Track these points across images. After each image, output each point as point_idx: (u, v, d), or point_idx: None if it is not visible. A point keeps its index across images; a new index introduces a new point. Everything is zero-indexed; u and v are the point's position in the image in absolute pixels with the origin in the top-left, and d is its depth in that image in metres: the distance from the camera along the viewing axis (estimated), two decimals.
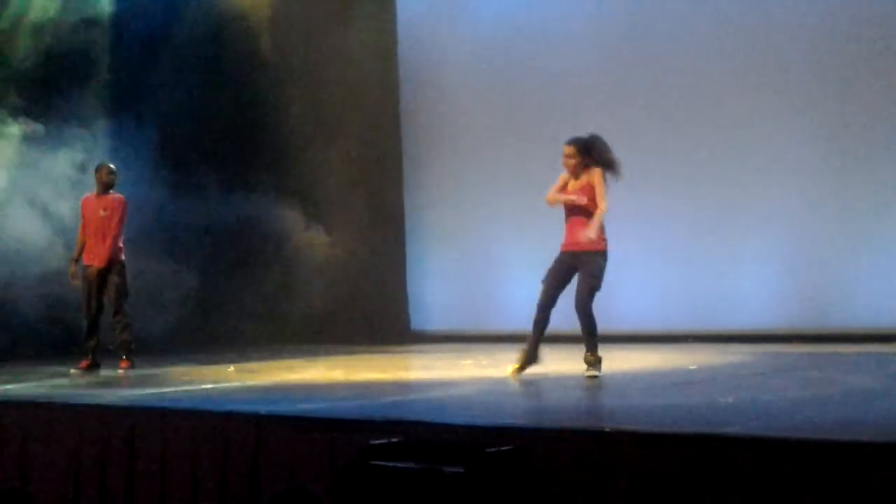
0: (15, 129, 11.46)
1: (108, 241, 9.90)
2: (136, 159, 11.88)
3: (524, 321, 12.51)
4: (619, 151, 11.96)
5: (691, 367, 8.89)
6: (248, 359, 10.61)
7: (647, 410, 6.40)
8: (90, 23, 12.06)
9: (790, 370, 8.76)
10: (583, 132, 8.36)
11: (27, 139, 11.50)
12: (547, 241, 12.50)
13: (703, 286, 11.63)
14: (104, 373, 9.79)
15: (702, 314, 11.56)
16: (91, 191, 10.22)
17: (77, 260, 10.05)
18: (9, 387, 8.74)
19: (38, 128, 11.45)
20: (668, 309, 11.78)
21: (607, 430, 5.40)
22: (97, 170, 10.21)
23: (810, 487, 4.59)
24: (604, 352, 9.94)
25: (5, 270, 11.36)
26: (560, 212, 7.85)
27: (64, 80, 11.98)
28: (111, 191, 10.08)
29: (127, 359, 9.96)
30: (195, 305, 12.63)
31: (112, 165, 10.24)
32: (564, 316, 12.20)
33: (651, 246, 11.88)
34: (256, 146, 13.24)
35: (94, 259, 9.93)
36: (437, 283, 13.60)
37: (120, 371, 9.82)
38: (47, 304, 11.61)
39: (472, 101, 13.15)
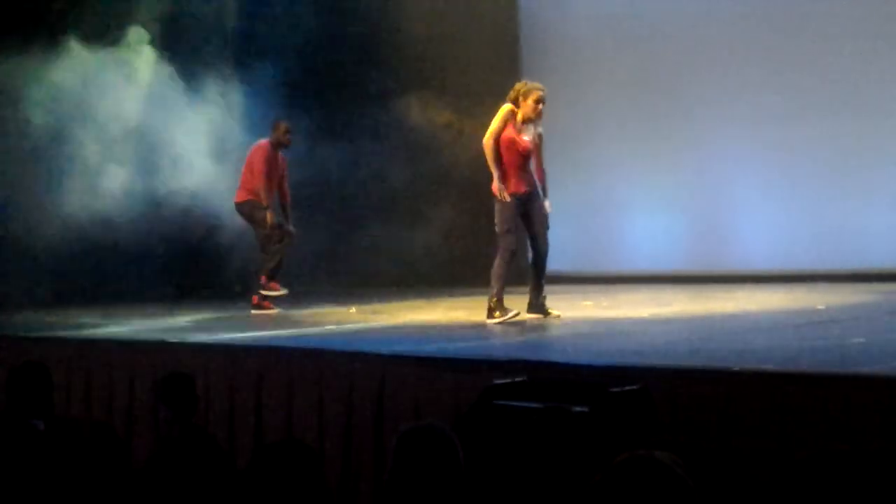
0: (147, 74, 11.57)
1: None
2: (266, 106, 11.98)
3: (645, 262, 12.49)
4: (742, 91, 11.88)
5: (819, 307, 8.72)
6: (370, 300, 10.73)
7: (773, 350, 6.30)
8: None
9: None
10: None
11: (162, 85, 11.60)
12: (667, 183, 12.42)
13: (830, 223, 11.35)
14: (233, 313, 10.05)
15: (830, 252, 11.29)
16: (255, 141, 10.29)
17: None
18: (139, 327, 9.02)
19: (172, 72, 11.51)
20: (795, 248, 11.54)
21: (735, 369, 5.34)
22: (276, 126, 10.21)
23: None
24: (730, 291, 9.74)
25: (143, 214, 11.59)
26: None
27: (193, 26, 12.14)
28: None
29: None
30: (325, 249, 12.75)
31: (288, 125, 10.29)
32: (675, 257, 12.16)
33: (776, 183, 11.64)
34: (374, 95, 13.22)
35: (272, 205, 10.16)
36: (556, 225, 13.50)
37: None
38: (178, 246, 11.99)
39: (594, 42, 12.94)
